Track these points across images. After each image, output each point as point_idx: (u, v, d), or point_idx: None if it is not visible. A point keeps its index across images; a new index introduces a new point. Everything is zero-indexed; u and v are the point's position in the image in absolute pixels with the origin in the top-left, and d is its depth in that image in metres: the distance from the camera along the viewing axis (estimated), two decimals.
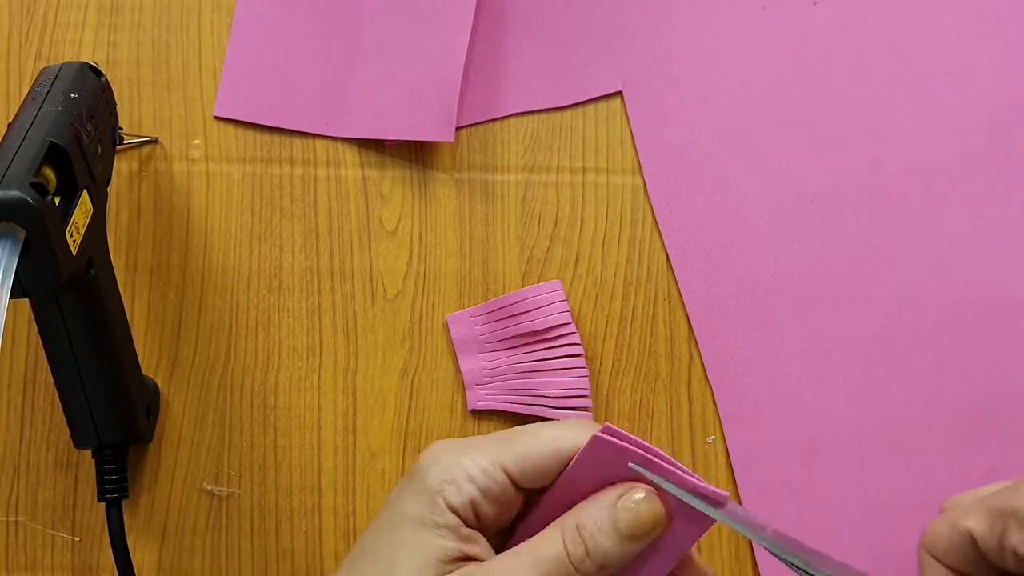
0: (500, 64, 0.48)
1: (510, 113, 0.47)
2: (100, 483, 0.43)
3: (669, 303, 0.46)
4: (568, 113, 0.47)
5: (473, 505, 0.34)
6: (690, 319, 0.46)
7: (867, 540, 0.44)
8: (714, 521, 0.32)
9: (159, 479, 0.45)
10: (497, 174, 0.47)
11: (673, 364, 0.46)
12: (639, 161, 0.47)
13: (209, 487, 0.45)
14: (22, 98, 0.38)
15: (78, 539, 0.45)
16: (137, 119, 0.47)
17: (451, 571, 0.33)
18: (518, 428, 0.35)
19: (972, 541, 0.39)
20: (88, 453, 0.44)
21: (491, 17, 0.48)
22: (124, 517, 0.43)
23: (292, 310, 0.46)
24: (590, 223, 0.47)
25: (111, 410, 0.42)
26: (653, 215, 0.47)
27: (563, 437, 0.34)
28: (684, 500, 0.32)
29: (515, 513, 0.36)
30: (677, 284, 0.46)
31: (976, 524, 0.39)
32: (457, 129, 0.46)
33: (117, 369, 0.41)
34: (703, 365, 0.46)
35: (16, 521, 0.45)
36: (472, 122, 0.47)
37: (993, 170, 0.46)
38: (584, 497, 0.33)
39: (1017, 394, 0.45)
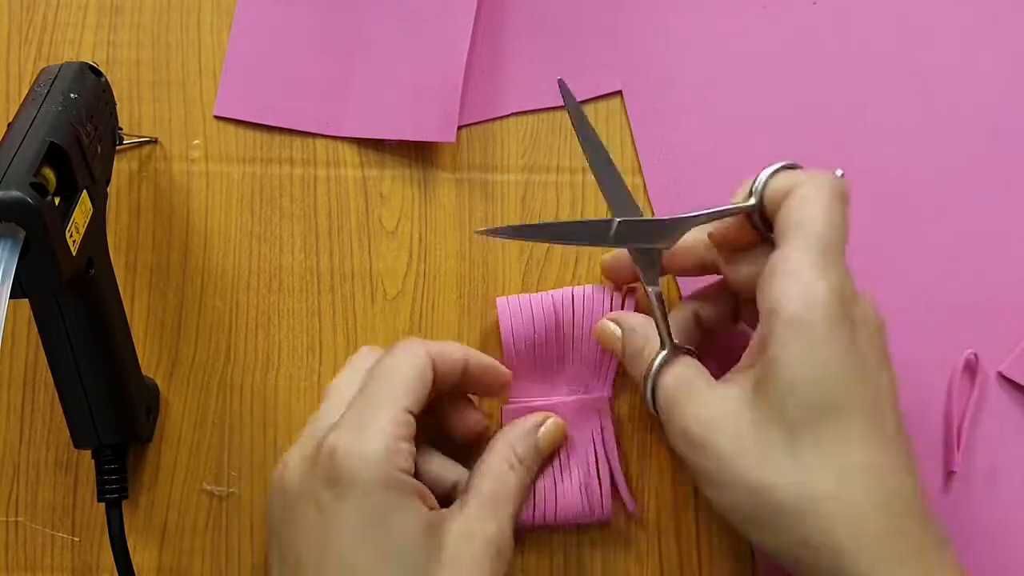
0: (500, 64, 0.48)
1: (510, 112, 0.47)
2: (100, 483, 0.43)
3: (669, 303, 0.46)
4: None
5: (410, 453, 0.37)
6: None
7: None
8: None
9: (159, 479, 0.45)
10: (497, 174, 0.47)
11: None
12: (639, 161, 0.47)
13: (209, 487, 0.45)
14: (22, 98, 0.38)
15: (78, 539, 0.45)
16: (137, 119, 0.47)
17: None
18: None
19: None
20: (88, 453, 0.44)
21: (491, 17, 0.48)
22: (124, 517, 0.43)
23: (292, 310, 0.46)
24: None
25: (111, 410, 0.42)
26: (653, 215, 0.47)
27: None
28: None
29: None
30: (677, 284, 0.46)
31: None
32: (457, 129, 0.46)
33: (117, 369, 0.41)
34: None
35: (16, 521, 0.45)
36: (472, 121, 0.47)
37: (994, 169, 0.46)
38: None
39: None
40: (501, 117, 0.47)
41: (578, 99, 0.47)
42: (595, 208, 0.47)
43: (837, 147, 0.47)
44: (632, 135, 0.47)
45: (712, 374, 0.38)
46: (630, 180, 0.47)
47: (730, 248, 0.40)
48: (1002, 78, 0.47)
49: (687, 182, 0.47)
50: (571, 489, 0.43)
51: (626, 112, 0.47)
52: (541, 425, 0.42)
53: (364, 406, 0.37)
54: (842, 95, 0.47)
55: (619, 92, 0.47)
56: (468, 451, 0.43)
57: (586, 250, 0.46)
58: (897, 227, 0.46)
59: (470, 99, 0.47)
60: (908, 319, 0.46)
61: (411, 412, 0.37)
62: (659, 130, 0.47)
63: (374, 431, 0.36)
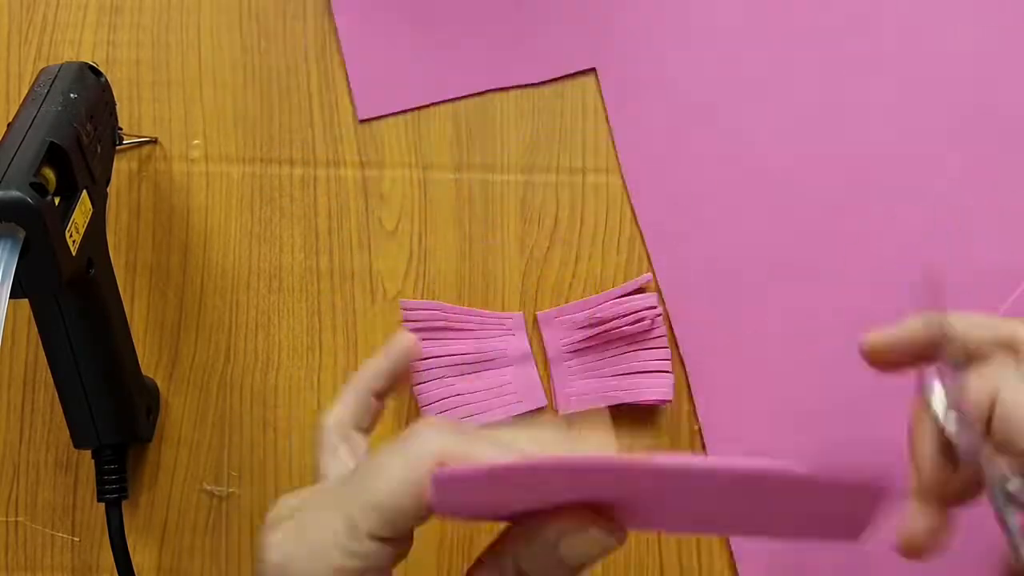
0: (474, 40, 0.47)
1: (485, 89, 0.47)
2: (100, 483, 0.43)
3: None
4: (568, 113, 0.47)
5: None
6: (663, 296, 0.46)
7: None
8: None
9: (159, 479, 0.45)
10: (497, 174, 0.47)
11: (672, 363, 0.46)
12: (612, 139, 0.46)
13: (209, 487, 0.45)
14: (22, 98, 0.38)
15: (78, 539, 0.45)
16: (137, 119, 0.47)
17: None
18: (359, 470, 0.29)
19: None
20: (88, 453, 0.44)
21: None
22: (124, 517, 0.43)
23: (292, 310, 0.46)
24: (590, 223, 0.47)
25: (111, 410, 0.42)
26: (633, 211, 0.47)
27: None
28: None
29: None
30: (660, 294, 0.46)
31: None
32: (447, 103, 0.46)
33: (117, 369, 0.41)
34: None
35: (16, 521, 0.45)
36: (447, 98, 0.47)
37: (968, 150, 0.46)
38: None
39: None
40: (478, 92, 0.47)
41: (551, 77, 0.47)
42: (595, 209, 0.47)
43: (814, 127, 0.46)
44: (606, 113, 0.47)
45: None
46: (603, 162, 0.47)
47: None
48: (979, 59, 0.46)
49: (662, 159, 0.46)
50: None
51: (600, 90, 0.47)
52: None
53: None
54: (819, 76, 0.47)
55: (593, 69, 0.47)
56: None
57: (586, 250, 0.47)
58: (873, 206, 0.46)
59: (447, 75, 0.47)
60: (883, 298, 0.45)
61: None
62: (634, 107, 0.47)
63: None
